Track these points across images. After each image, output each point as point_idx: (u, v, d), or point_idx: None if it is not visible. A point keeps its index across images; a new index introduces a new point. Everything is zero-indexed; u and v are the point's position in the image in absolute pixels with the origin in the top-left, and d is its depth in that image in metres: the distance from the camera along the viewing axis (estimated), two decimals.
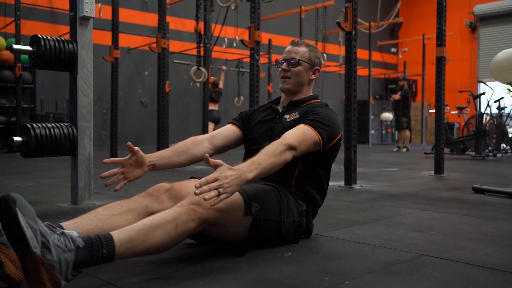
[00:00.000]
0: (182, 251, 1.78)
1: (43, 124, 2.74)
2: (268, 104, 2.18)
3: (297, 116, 1.97)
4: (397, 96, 10.41)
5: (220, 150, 2.06)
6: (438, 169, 4.86)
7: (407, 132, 10.62)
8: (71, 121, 2.90)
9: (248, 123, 2.13)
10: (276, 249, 1.79)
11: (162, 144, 5.84)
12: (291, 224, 1.83)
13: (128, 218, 1.61)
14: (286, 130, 1.90)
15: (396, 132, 11.02)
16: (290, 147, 1.72)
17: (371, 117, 14.30)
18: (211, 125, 9.35)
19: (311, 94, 2.13)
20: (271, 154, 1.65)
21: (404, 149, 10.46)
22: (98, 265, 1.34)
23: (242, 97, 11.87)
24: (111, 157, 6.45)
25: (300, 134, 1.79)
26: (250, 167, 1.56)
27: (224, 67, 10.81)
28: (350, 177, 3.89)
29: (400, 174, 5.08)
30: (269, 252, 1.76)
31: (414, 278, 1.48)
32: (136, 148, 1.77)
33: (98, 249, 1.31)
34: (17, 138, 2.66)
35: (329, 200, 2.88)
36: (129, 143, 1.74)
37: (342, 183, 3.97)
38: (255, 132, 2.07)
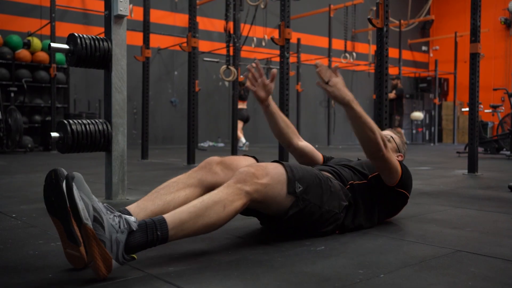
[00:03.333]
0: (217, 243, 1.80)
1: (79, 121, 2.81)
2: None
3: None
4: (392, 95, 10.36)
5: (302, 155, 2.29)
6: (472, 167, 4.76)
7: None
8: (106, 118, 2.97)
9: (331, 160, 2.34)
10: (308, 243, 1.79)
11: (192, 143, 5.89)
12: (330, 213, 1.85)
13: (186, 193, 1.71)
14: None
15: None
16: (384, 142, 1.86)
17: None
18: (240, 124, 9.40)
19: None
20: (373, 122, 1.83)
21: None
22: (154, 247, 1.43)
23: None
24: (142, 155, 6.56)
25: (390, 149, 1.94)
26: (358, 105, 1.78)
27: (253, 64, 10.75)
28: None
29: (432, 173, 4.99)
30: (302, 245, 1.76)
31: (450, 272, 1.45)
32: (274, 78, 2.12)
33: (152, 232, 1.39)
34: (54, 134, 2.73)
35: None
36: (274, 70, 2.12)
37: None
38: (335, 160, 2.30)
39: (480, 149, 8.57)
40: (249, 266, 1.50)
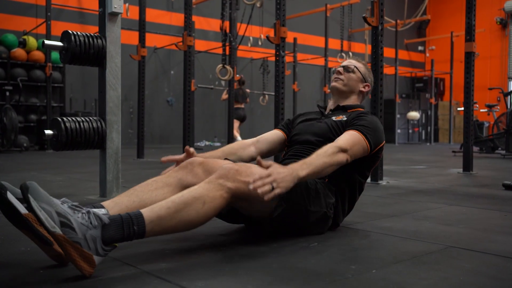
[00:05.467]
0: (210, 240, 1.80)
1: (73, 118, 2.81)
2: (316, 110, 2.32)
3: (344, 118, 2.04)
4: None
5: (265, 154, 2.18)
6: (467, 166, 4.77)
7: None
8: (100, 115, 2.96)
9: (293, 126, 2.24)
10: (302, 240, 1.79)
11: (187, 142, 5.88)
12: (317, 213, 1.82)
13: (164, 192, 1.66)
14: (331, 128, 2.02)
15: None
16: (342, 149, 1.78)
17: (398, 116, 14.12)
18: (236, 123, 9.38)
19: (359, 104, 2.23)
20: (323, 155, 1.72)
21: None
22: (131, 241, 1.39)
23: (267, 96, 11.88)
24: (138, 154, 6.55)
25: (350, 139, 1.85)
26: (302, 166, 1.63)
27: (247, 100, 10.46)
28: (376, 173, 3.85)
29: (428, 172, 5.00)
30: (296, 242, 1.76)
31: (442, 268, 1.45)
32: (192, 149, 1.88)
33: (129, 226, 1.36)
34: (48, 132, 2.72)
35: None
36: (187, 147, 1.87)
37: (368, 179, 3.93)
38: (297, 129, 2.15)
39: (476, 149, 8.59)
40: (242, 262, 1.50)
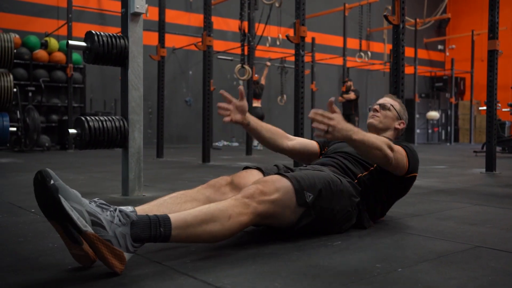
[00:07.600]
0: (234, 238, 1.79)
1: (96, 117, 2.84)
2: None
3: None
4: (352, 96, 10.41)
5: (295, 153, 2.30)
6: (490, 166, 4.69)
7: None
8: (122, 115, 2.99)
9: (328, 145, 2.33)
10: (325, 238, 1.79)
11: (206, 142, 5.91)
12: (342, 212, 1.83)
13: (192, 206, 1.66)
14: None
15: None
16: (390, 147, 1.88)
17: (417, 116, 13.97)
18: None
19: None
20: (375, 137, 1.84)
21: None
22: (155, 243, 1.40)
23: (285, 96, 11.87)
24: (157, 154, 6.61)
25: (396, 148, 1.93)
26: (358, 132, 1.73)
27: (268, 63, 10.90)
28: None
29: (449, 171, 4.94)
30: (318, 240, 1.75)
31: (470, 267, 1.43)
32: (243, 89, 2.02)
33: (156, 227, 1.36)
34: (72, 131, 2.76)
35: None
36: (240, 86, 2.01)
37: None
38: (334, 146, 2.24)
39: (498, 148, 8.45)
40: (266, 260, 1.50)
